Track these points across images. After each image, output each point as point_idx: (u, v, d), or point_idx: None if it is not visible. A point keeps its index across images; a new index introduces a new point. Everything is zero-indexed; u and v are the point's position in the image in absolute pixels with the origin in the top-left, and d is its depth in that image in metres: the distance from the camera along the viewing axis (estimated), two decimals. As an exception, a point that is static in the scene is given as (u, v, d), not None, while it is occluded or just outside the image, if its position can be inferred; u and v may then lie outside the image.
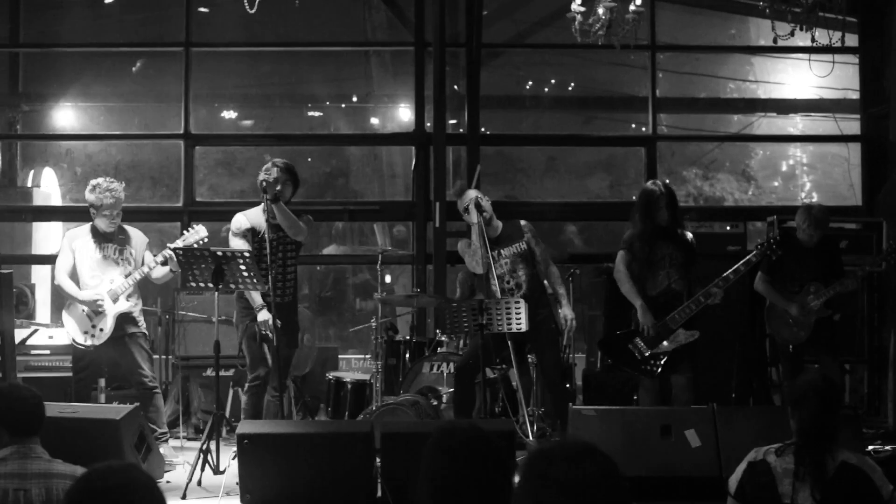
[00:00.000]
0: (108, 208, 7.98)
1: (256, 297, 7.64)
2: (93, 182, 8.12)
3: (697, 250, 7.94)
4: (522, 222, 8.18)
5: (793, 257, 8.21)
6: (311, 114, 13.21)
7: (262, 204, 7.75)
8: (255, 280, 7.31)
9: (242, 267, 7.22)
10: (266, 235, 7.53)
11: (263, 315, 7.57)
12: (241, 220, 7.85)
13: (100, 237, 8.07)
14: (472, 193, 7.98)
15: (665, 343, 7.60)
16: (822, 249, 8.27)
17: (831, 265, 8.26)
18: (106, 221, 8.02)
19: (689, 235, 7.92)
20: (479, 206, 7.79)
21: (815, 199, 8.59)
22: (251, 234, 7.78)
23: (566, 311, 7.98)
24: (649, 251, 7.72)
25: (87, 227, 8.17)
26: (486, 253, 7.79)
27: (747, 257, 7.62)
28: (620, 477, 2.41)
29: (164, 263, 7.97)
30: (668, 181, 8.15)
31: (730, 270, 7.53)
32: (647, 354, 7.64)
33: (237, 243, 7.73)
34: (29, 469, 3.94)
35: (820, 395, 4.16)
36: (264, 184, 7.57)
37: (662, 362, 7.63)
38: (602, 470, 2.39)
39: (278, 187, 7.62)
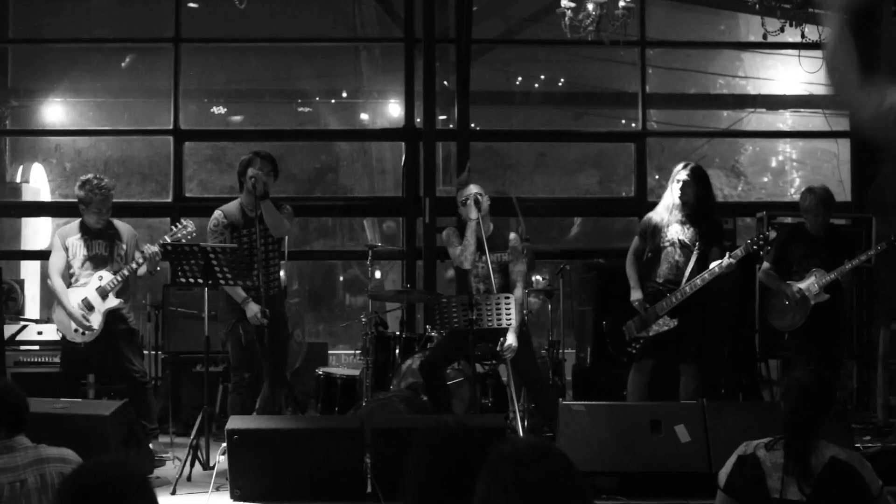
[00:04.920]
0: (97, 205, 7.94)
1: (240, 291, 7.58)
2: (82, 178, 8.08)
3: (723, 238, 7.97)
4: (512, 235, 8.14)
5: (801, 247, 8.16)
6: (300, 109, 13.19)
7: (240, 198, 7.73)
8: (229, 276, 7.29)
9: (214, 262, 7.18)
10: (256, 230, 7.51)
11: (251, 309, 7.52)
12: (219, 217, 7.79)
13: (89, 233, 8.01)
14: (474, 189, 7.96)
15: (647, 329, 7.67)
16: (830, 238, 8.16)
17: (838, 253, 8.10)
18: (95, 217, 7.98)
19: (717, 222, 7.94)
20: (477, 203, 7.79)
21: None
22: (229, 230, 7.72)
23: (510, 338, 7.75)
24: (661, 233, 7.75)
25: (76, 223, 8.10)
26: (477, 251, 7.83)
27: (734, 251, 7.61)
28: (577, 478, 2.40)
29: (142, 263, 7.92)
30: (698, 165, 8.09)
31: (714, 264, 7.55)
32: (634, 335, 7.71)
33: (213, 240, 7.66)
34: (19, 461, 3.94)
35: (802, 390, 4.17)
36: (252, 180, 7.52)
37: (640, 346, 7.70)
38: (556, 471, 2.39)
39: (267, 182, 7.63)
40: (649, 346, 7.74)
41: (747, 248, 7.60)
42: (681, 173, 7.83)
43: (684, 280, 7.67)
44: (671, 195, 7.88)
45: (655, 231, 7.84)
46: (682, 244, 7.75)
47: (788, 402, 4.20)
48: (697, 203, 7.80)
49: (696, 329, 7.72)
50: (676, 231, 7.78)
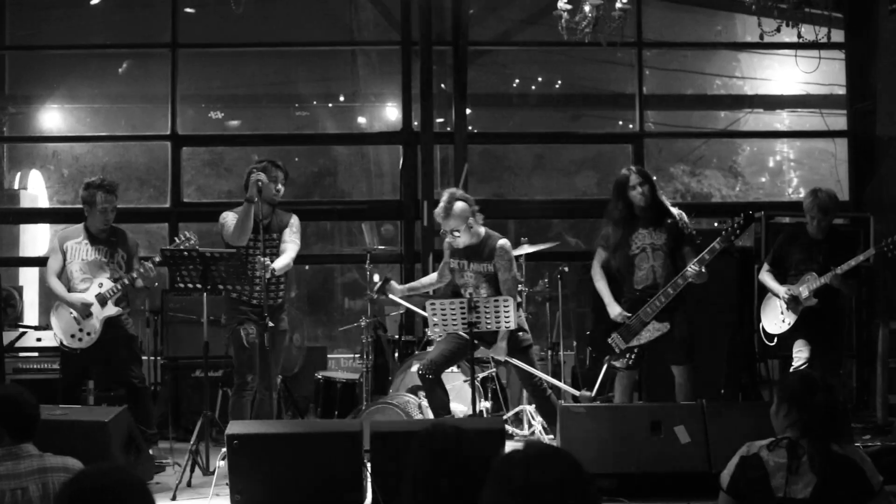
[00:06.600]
0: (102, 203, 7.92)
1: None
2: (86, 181, 8.10)
3: (686, 227, 7.86)
4: (500, 243, 7.91)
5: (800, 250, 8.06)
6: (298, 113, 13.19)
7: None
8: (231, 282, 7.33)
9: (222, 268, 7.21)
10: (261, 237, 7.52)
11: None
12: (226, 216, 7.81)
13: (91, 238, 8.01)
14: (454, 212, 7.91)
15: (639, 337, 7.61)
16: (830, 241, 8.01)
17: (836, 256, 7.92)
18: (101, 219, 7.96)
19: (675, 213, 7.77)
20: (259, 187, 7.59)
21: (802, 194, 8.58)
22: None
23: (500, 345, 7.85)
24: (628, 242, 7.71)
25: (78, 227, 8.11)
26: (464, 259, 7.91)
27: (711, 245, 7.48)
28: (585, 482, 2.40)
29: (136, 278, 7.92)
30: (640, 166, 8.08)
31: (695, 259, 7.46)
32: (623, 348, 7.65)
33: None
34: (23, 468, 3.93)
35: (825, 392, 4.18)
36: (259, 183, 7.53)
37: (635, 355, 7.64)
38: (565, 474, 2.39)
39: (278, 186, 7.72)
40: (642, 354, 7.70)
41: (724, 240, 7.43)
42: (632, 178, 7.78)
43: (662, 283, 7.62)
44: (623, 203, 7.83)
45: (621, 241, 7.78)
46: (654, 247, 7.70)
47: (815, 407, 4.14)
48: (652, 201, 7.77)
49: (684, 329, 7.68)
50: (644, 236, 7.73)
